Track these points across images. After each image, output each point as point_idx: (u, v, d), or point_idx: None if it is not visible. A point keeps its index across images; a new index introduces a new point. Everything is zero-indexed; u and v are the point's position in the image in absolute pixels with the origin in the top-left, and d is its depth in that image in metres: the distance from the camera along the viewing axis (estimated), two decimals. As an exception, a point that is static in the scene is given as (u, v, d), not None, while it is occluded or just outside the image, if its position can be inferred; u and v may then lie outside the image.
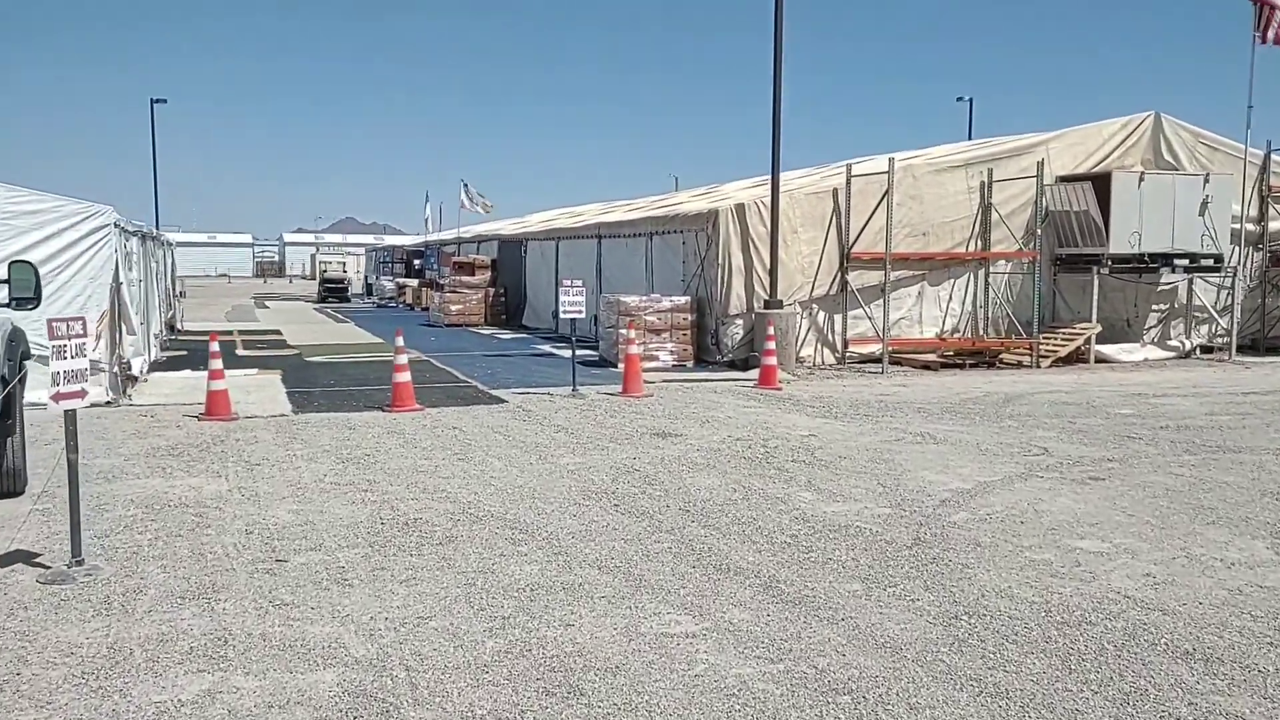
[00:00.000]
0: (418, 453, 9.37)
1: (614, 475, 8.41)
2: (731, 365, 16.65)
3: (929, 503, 7.51)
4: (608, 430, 10.64)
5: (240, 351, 19.89)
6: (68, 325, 5.67)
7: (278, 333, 25.20)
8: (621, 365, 16.39)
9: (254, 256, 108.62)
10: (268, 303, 44.05)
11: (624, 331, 16.25)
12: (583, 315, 13.49)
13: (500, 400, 12.89)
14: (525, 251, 28.18)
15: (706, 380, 15.16)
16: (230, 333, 24.98)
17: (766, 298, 16.50)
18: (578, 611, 5.21)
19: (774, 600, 5.40)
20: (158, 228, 41.74)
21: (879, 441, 10.02)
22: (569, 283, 13.07)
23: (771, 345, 14.42)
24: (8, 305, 6.89)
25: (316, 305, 41.88)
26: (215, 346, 11.73)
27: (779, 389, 14.06)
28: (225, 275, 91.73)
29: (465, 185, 36.26)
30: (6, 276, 6.84)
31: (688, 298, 17.16)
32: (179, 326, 25.13)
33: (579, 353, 19.66)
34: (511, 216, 44.46)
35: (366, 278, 55.57)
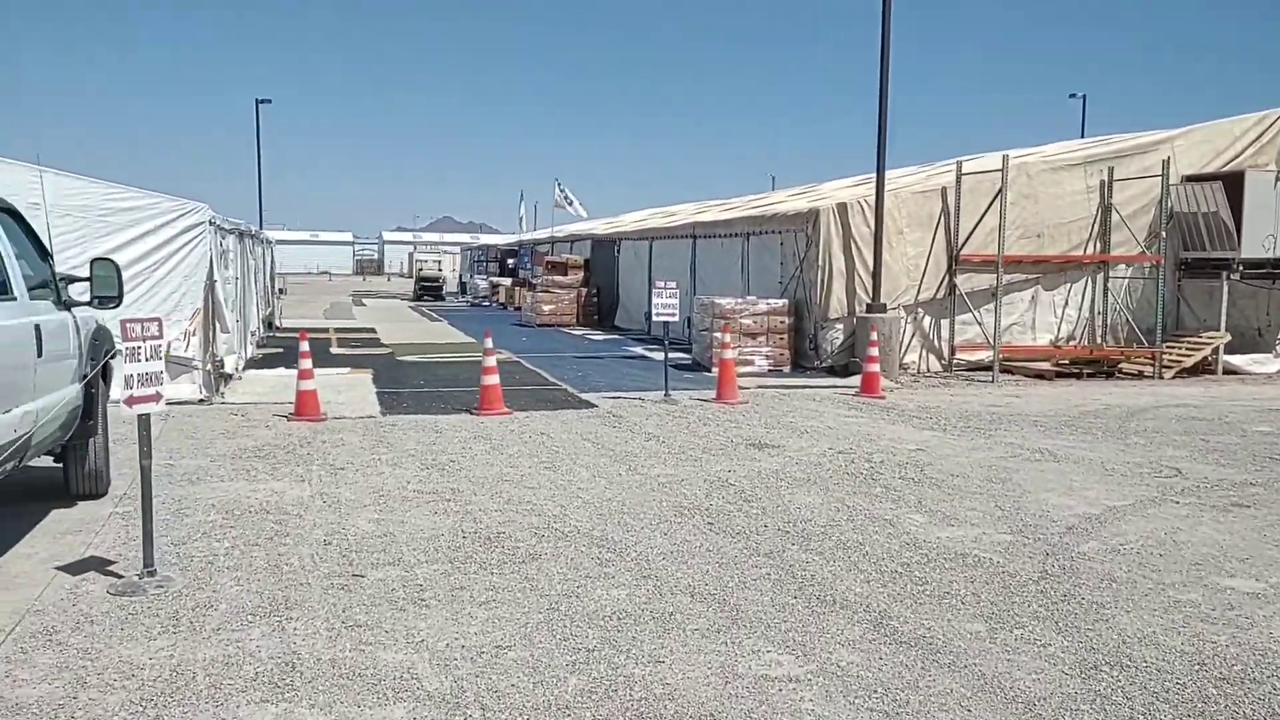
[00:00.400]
0: (504, 460, 9.04)
1: (708, 490, 7.93)
2: (830, 371, 16.01)
3: (1054, 530, 6.86)
4: (701, 439, 10.16)
5: (334, 350, 19.98)
6: (142, 326, 5.45)
7: (372, 331, 25.37)
8: (715, 370, 15.93)
9: (354, 255, 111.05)
10: (365, 300, 44.73)
11: (718, 335, 15.77)
12: (676, 318, 13.05)
13: (590, 405, 12.53)
14: (619, 251, 27.88)
15: (804, 387, 14.57)
16: (326, 330, 25.23)
17: (869, 301, 15.82)
18: (668, 645, 4.76)
19: (886, 640, 4.86)
20: (261, 226, 42.81)
21: (993, 458, 9.33)
22: (662, 284, 12.64)
23: (875, 351, 13.76)
24: (90, 304, 6.74)
25: (412, 303, 42.34)
26: (305, 346, 11.62)
27: (882, 397, 13.39)
28: (326, 273, 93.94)
29: (559, 184, 36.20)
30: (89, 274, 6.69)
31: (785, 300, 16.58)
32: (278, 324, 25.49)
33: (671, 356, 19.26)
34: (605, 216, 44.31)
35: (461, 276, 56.11)
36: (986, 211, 16.11)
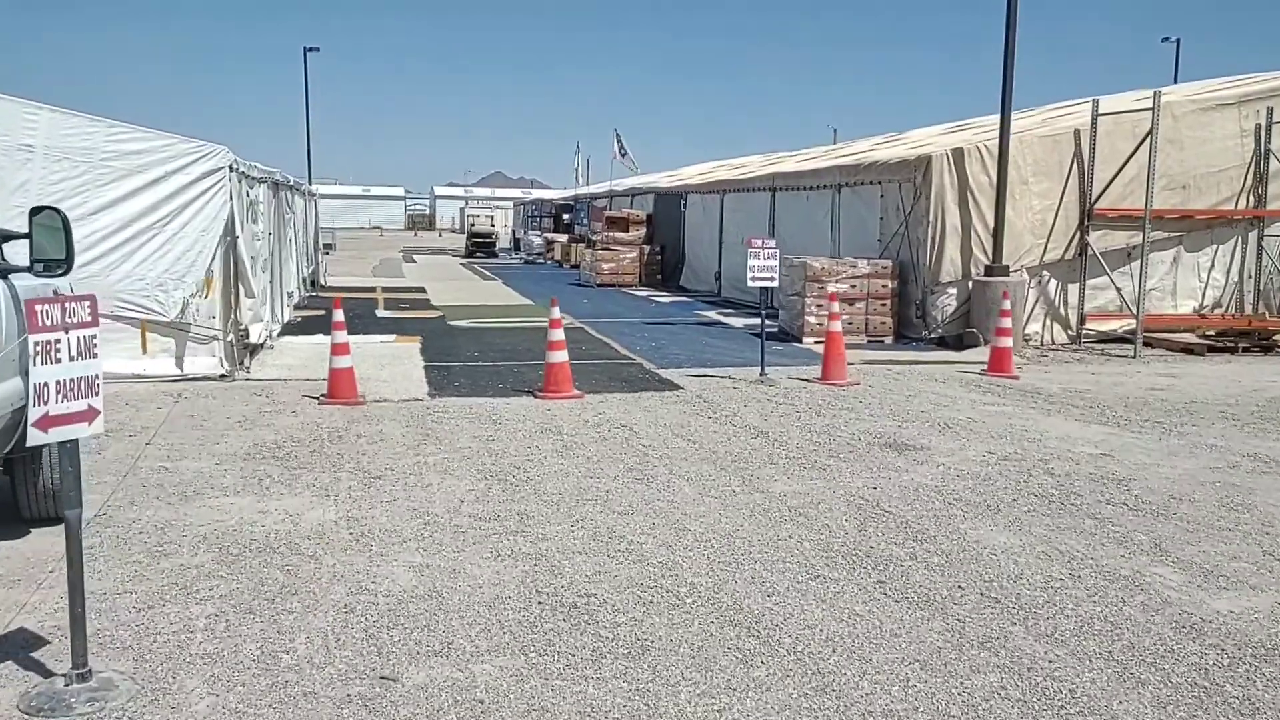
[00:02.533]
0: (581, 466, 7.16)
1: (856, 519, 5.99)
2: (941, 343, 13.92)
3: (1370, 596, 4.82)
4: (820, 436, 8.21)
5: (380, 312, 18.24)
6: (64, 308, 3.60)
7: (421, 290, 23.62)
8: (809, 340, 13.94)
9: (405, 210, 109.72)
10: (415, 257, 43.08)
11: (819, 303, 13.78)
12: (776, 282, 11.02)
13: (673, 385, 10.60)
14: (685, 206, 25.76)
15: (916, 362, 12.51)
16: (373, 290, 23.54)
17: (988, 262, 13.68)
18: None
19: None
20: (310, 180, 41.18)
21: (1206, 469, 7.26)
22: (759, 243, 10.62)
23: (1007, 322, 11.63)
24: (30, 269, 4.93)
25: (464, 260, 40.60)
26: (339, 315, 9.79)
27: (1016, 377, 11.29)
28: (378, 228, 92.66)
29: (618, 135, 34.01)
30: (28, 229, 4.87)
31: (889, 261, 14.46)
32: (322, 282, 23.84)
33: (749, 323, 17.26)
34: (662, 170, 42.03)
35: (514, 232, 54.26)
36: (1129, 160, 13.81)
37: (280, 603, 4.60)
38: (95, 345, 3.70)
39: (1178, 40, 41.14)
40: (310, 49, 46.17)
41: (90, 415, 3.72)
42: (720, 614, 4.53)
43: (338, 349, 9.53)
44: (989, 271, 13.61)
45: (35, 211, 4.88)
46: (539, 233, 44.17)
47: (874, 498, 6.40)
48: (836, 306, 11.03)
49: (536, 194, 70.59)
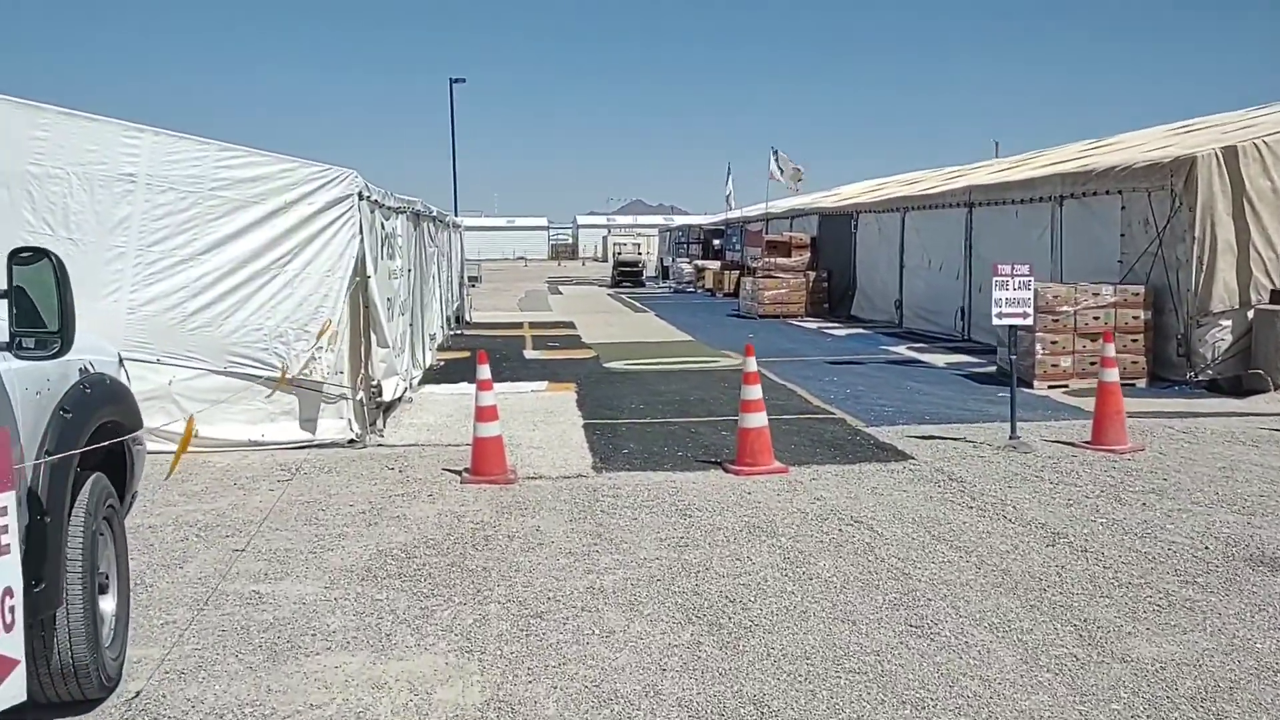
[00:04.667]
0: (820, 599, 5.02)
1: (1310, 723, 3.66)
2: (1213, 387, 11.21)
3: None
4: (1143, 541, 5.84)
5: (529, 352, 16.56)
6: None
7: (570, 326, 21.96)
8: (1041, 385, 11.47)
9: (549, 239, 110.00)
10: (561, 288, 41.84)
11: (1055, 339, 11.36)
12: (1030, 319, 8.65)
13: (897, 452, 8.37)
14: (856, 227, 23.38)
15: (1194, 414, 9.88)
16: (520, 326, 22.03)
17: (1275, 286, 10.94)
18: None
19: None
20: (456, 212, 40.52)
21: None
22: (1008, 270, 8.30)
23: (1335, 367, 8.93)
24: (9, 348, 3.13)
25: (610, 290, 39.06)
26: (485, 371, 7.91)
27: (1352, 440, 8.59)
28: (522, 258, 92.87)
29: (775, 153, 31.75)
30: (7, 285, 3.09)
31: (1140, 287, 11.84)
32: (467, 318, 22.48)
33: (952, 361, 14.73)
34: (818, 190, 39.56)
35: (662, 260, 52.59)
36: None
37: None
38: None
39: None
40: (456, 80, 45.88)
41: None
42: None
43: (483, 414, 7.68)
44: (1276, 298, 10.88)
45: (16, 255, 3.10)
46: (688, 259, 42.33)
47: (1311, 678, 4.04)
48: (1111, 349, 8.56)
49: (681, 220, 68.94)
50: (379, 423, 9.44)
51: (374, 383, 9.34)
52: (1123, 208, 12.67)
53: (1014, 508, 6.60)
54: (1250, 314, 11.15)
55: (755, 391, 7.80)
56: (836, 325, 21.17)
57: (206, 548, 5.95)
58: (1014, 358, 8.54)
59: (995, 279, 8.41)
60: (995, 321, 8.54)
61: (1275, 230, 11.18)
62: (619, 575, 5.39)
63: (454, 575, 5.44)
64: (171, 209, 8.54)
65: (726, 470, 7.79)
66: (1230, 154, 11.26)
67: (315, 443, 8.91)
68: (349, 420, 9.04)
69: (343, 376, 9.00)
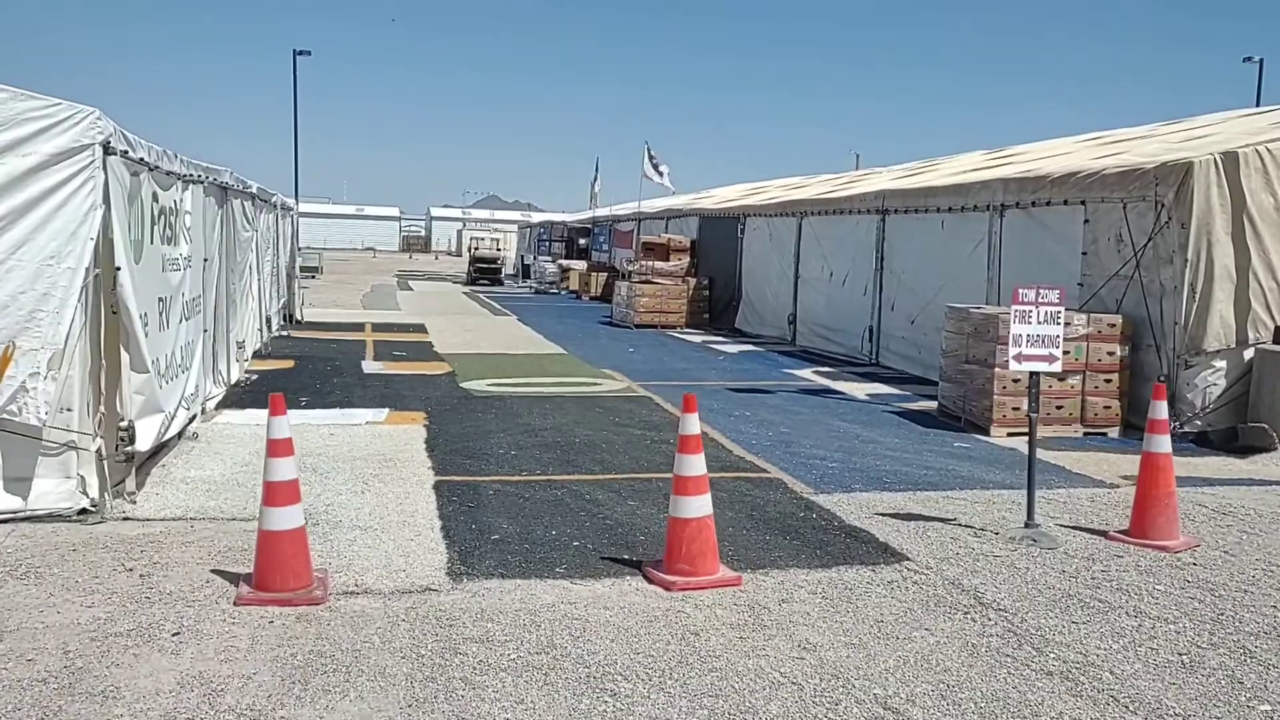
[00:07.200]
0: None
1: None
2: (1201, 440, 9.34)
3: None
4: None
5: (368, 365, 13.59)
6: None
7: (421, 329, 18.97)
8: (999, 433, 9.39)
9: (401, 231, 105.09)
10: (412, 283, 38.43)
11: (1017, 379, 9.30)
12: (1059, 365, 6.39)
13: (882, 547, 5.98)
14: (743, 232, 21.22)
15: (1210, 480, 7.89)
16: (361, 327, 18.94)
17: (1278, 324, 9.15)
18: None
19: None
20: (297, 196, 36.51)
21: None
22: (1033, 295, 6.04)
23: None
24: None
25: (466, 288, 35.96)
26: (281, 426, 5.01)
27: None
28: (371, 249, 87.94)
29: (649, 149, 29.38)
30: None
31: (1117, 318, 9.89)
32: (298, 316, 19.22)
33: (872, 392, 12.42)
34: (689, 193, 37.37)
35: (521, 258, 49.67)
36: None
37: None
38: None
39: (1260, 60, 37.17)
40: (301, 52, 41.79)
41: None
42: None
43: (276, 494, 4.86)
44: (1281, 337, 9.09)
45: None
46: (551, 259, 39.61)
47: None
48: (1163, 408, 6.34)
49: (542, 216, 65.95)
50: (128, 482, 6.47)
51: (124, 424, 6.36)
52: (1086, 221, 10.73)
53: (1112, 673, 4.26)
54: (1248, 354, 9.34)
55: (697, 464, 5.25)
56: (723, 339, 18.91)
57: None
58: (1033, 415, 6.24)
59: (1015, 308, 6.13)
60: (1014, 366, 6.25)
61: (1278, 255, 9.41)
62: None
63: None
64: None
65: (650, 579, 5.23)
66: (1231, 161, 9.42)
67: (25, 514, 5.94)
68: (79, 479, 6.08)
69: (72, 416, 6.03)
